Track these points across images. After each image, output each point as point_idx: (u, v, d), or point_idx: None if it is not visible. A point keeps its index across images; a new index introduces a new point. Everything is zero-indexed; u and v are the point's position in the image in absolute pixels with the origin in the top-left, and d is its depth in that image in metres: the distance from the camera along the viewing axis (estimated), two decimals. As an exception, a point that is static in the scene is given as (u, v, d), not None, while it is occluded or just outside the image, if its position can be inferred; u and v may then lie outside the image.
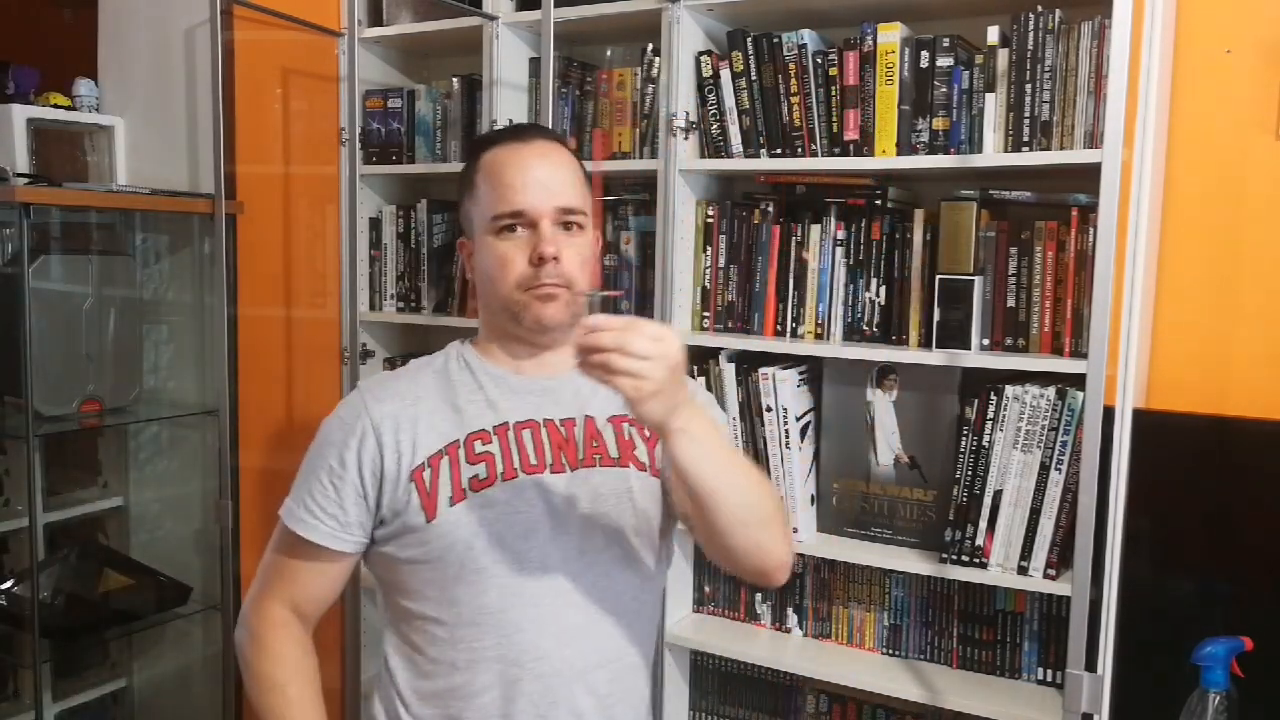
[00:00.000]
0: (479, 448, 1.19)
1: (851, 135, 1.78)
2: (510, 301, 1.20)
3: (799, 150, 1.83)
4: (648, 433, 1.26)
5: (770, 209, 1.90)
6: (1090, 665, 1.45)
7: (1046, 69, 1.63)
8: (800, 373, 1.87)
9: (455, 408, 1.22)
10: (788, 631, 1.99)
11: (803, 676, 1.95)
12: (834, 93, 1.79)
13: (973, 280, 1.70)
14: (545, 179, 1.19)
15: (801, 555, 1.93)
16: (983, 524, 1.69)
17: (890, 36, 1.73)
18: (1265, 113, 1.63)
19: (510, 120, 2.10)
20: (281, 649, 1.23)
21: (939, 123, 1.72)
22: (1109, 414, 1.45)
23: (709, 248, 1.95)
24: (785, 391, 1.83)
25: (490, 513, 1.17)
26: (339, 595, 1.28)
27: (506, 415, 1.22)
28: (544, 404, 1.24)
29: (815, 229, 1.85)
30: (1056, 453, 1.64)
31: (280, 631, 1.23)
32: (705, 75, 1.89)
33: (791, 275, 1.88)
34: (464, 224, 1.28)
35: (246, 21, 2.32)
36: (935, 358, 1.72)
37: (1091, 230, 1.57)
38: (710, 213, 1.95)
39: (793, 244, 1.87)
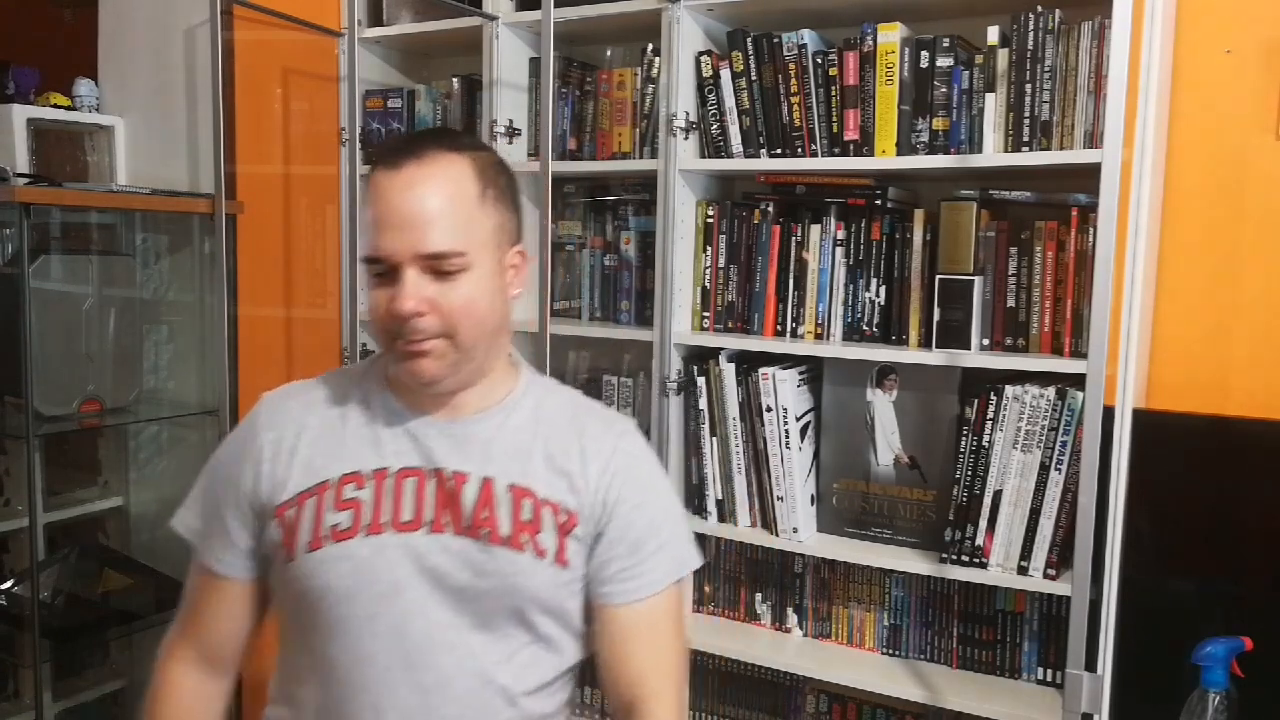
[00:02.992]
0: (349, 492, 1.09)
1: (851, 135, 1.78)
2: (388, 351, 1.09)
3: (799, 150, 1.83)
4: (563, 516, 1.10)
5: (770, 209, 1.90)
6: (1090, 665, 1.45)
7: (1046, 69, 1.62)
8: (800, 373, 1.87)
9: (340, 440, 1.12)
10: (788, 631, 1.99)
11: (803, 676, 1.95)
12: (834, 93, 1.79)
13: (973, 280, 1.70)
14: (411, 217, 1.03)
15: (801, 555, 1.93)
16: (983, 524, 1.69)
17: (890, 36, 1.73)
18: (1265, 113, 1.63)
19: (510, 121, 2.10)
20: None
21: (939, 123, 1.72)
22: (1109, 414, 1.46)
23: (709, 248, 1.95)
24: (785, 391, 1.83)
25: (346, 566, 1.06)
26: (250, 630, 1.18)
27: (390, 459, 1.10)
28: (439, 450, 1.10)
29: (815, 229, 1.85)
30: (1056, 453, 1.64)
31: (172, 701, 1.16)
32: (705, 75, 1.89)
33: (791, 275, 1.88)
34: None
35: (246, 21, 2.32)
36: (935, 358, 1.72)
37: (1091, 230, 1.57)
38: (710, 213, 1.95)
39: (793, 244, 1.87)
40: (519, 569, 1.07)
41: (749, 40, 1.85)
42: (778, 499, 1.86)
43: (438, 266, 1.03)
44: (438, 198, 1.04)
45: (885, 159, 1.75)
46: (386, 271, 1.04)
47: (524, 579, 1.08)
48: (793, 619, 1.98)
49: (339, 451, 1.11)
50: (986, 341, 1.73)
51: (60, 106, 2.47)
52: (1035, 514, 1.65)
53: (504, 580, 1.07)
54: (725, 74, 1.87)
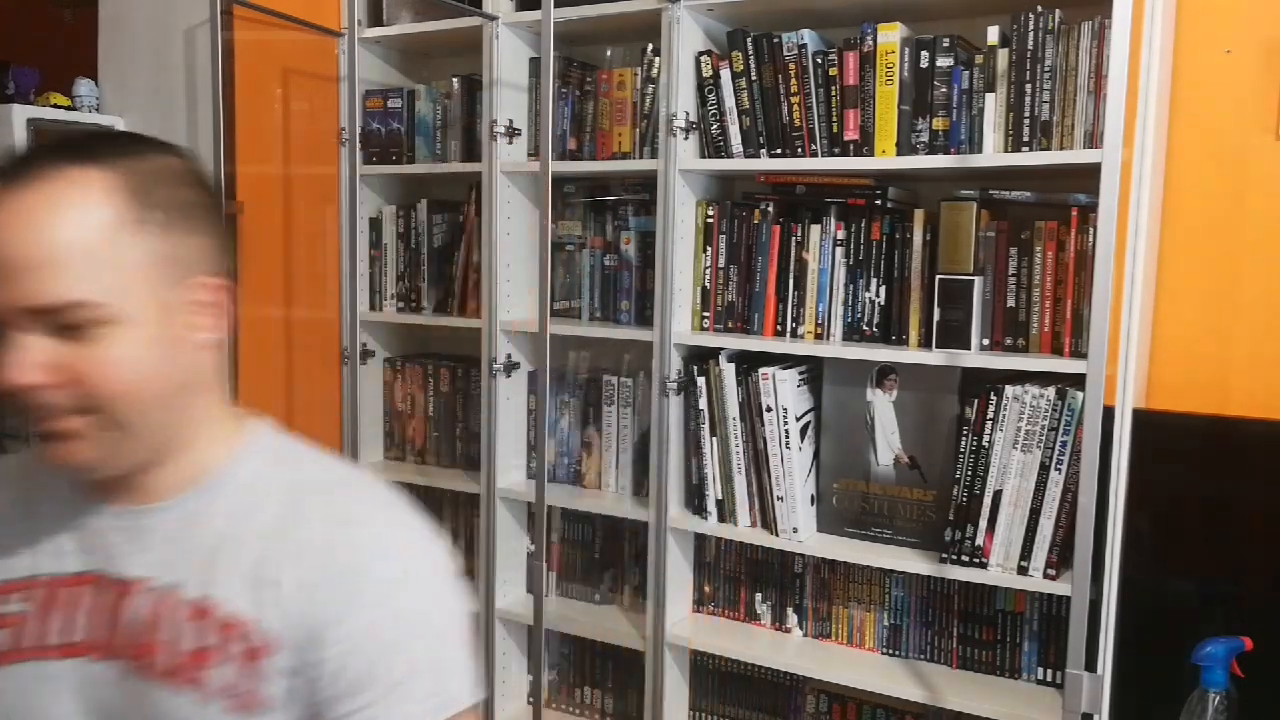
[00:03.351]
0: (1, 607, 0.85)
1: (851, 135, 1.78)
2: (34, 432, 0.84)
3: (799, 150, 1.83)
4: (253, 642, 0.80)
5: (770, 209, 1.90)
6: (1090, 665, 1.45)
7: (1046, 69, 1.62)
8: (800, 373, 1.87)
9: (3, 540, 0.88)
10: (788, 631, 1.99)
11: (803, 676, 1.95)
12: (834, 93, 1.79)
13: (973, 280, 1.70)
14: (13, 260, 0.75)
15: (801, 555, 1.93)
16: (983, 524, 1.69)
17: (890, 36, 1.73)
18: (1265, 113, 1.63)
19: (510, 121, 2.10)
20: None
21: (939, 123, 1.72)
22: (1109, 414, 1.46)
23: (709, 248, 1.95)
24: (785, 391, 1.83)
25: None
26: None
27: (60, 562, 0.85)
28: (115, 549, 0.84)
29: (815, 229, 1.85)
30: (1056, 453, 1.64)
31: None
32: (705, 75, 1.89)
33: (791, 275, 1.88)
34: None
35: (246, 21, 2.32)
36: (935, 358, 1.72)
37: (1091, 230, 1.57)
38: (710, 213, 1.95)
39: (793, 244, 1.87)
40: (185, 714, 0.80)
41: (749, 40, 1.85)
42: (778, 499, 1.86)
43: (61, 322, 0.76)
44: (50, 231, 0.75)
45: (885, 159, 1.75)
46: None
47: None
48: (793, 619, 1.98)
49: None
50: (986, 341, 1.73)
51: (60, 106, 2.47)
52: (1035, 514, 1.65)
53: None
54: (725, 74, 1.87)
